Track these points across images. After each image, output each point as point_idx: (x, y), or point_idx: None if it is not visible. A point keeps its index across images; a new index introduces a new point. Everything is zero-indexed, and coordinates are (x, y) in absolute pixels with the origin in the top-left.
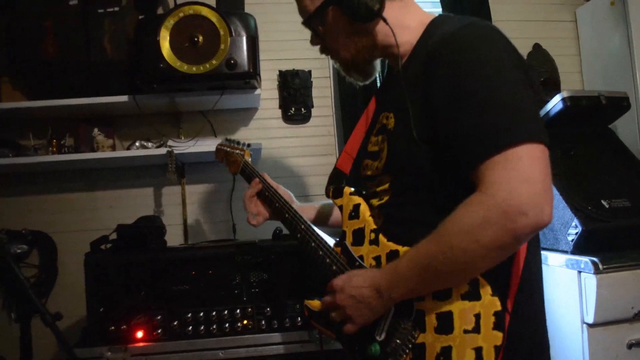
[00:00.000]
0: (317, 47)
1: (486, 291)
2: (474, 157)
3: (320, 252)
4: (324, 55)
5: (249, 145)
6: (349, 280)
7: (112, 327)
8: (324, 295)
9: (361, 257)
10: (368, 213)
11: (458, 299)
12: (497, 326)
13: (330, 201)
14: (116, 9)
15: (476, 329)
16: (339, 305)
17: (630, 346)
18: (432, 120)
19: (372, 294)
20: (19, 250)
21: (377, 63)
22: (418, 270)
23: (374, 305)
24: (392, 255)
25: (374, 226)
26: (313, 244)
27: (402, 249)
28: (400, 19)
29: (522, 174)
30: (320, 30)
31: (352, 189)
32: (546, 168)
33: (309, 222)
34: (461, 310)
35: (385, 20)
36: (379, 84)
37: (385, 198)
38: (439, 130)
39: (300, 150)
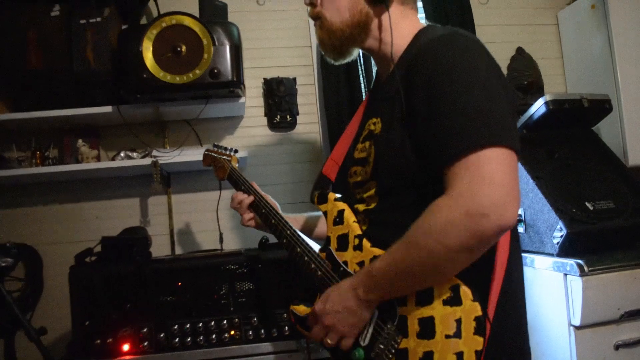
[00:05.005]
0: (301, 55)
1: (467, 296)
2: (442, 160)
3: (306, 258)
4: (308, 62)
5: (236, 150)
6: (327, 299)
7: (98, 341)
8: (310, 305)
9: (345, 262)
10: (352, 219)
11: (440, 304)
12: (478, 331)
13: (316, 213)
14: (98, 19)
15: (457, 334)
16: (329, 327)
17: (617, 347)
18: (413, 125)
19: (353, 302)
20: (3, 264)
21: (355, 52)
22: (391, 272)
23: (358, 311)
24: None
25: (358, 232)
26: (298, 250)
27: None
28: (397, 23)
29: (484, 176)
30: None
31: (337, 195)
32: (511, 171)
33: (294, 228)
34: (443, 315)
35: (387, 9)
36: (364, 95)
37: (373, 204)
38: (418, 135)
39: (287, 158)
